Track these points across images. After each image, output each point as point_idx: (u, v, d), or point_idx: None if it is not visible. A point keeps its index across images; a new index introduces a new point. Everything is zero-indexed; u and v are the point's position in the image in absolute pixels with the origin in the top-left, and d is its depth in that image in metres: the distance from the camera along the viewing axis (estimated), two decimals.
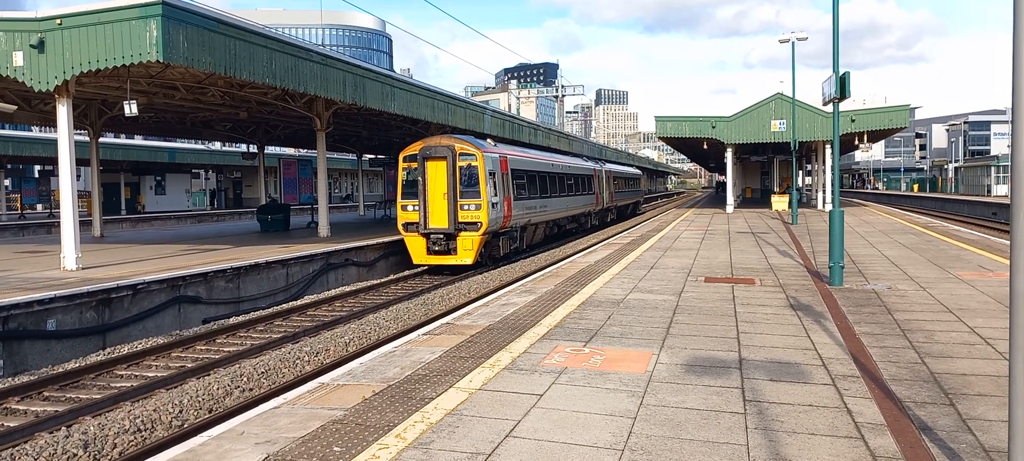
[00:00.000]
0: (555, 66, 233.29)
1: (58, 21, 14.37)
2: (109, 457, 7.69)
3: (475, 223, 20.87)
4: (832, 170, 14.77)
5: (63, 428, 8.35)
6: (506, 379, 6.97)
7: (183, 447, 5.33)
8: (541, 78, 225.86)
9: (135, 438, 8.13)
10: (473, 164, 20.98)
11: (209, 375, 10.62)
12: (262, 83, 17.08)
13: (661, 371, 7.16)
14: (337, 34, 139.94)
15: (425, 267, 22.13)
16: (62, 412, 8.93)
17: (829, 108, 15.15)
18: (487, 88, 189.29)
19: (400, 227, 21.74)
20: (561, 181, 31.29)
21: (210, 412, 9.04)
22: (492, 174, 21.53)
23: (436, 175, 21.05)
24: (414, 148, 21.49)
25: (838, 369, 7.15)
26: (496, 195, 21.72)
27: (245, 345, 12.77)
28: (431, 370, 7.33)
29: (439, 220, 20.99)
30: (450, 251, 21.05)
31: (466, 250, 20.93)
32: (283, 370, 10.79)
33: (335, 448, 5.19)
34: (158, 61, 13.88)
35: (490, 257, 22.87)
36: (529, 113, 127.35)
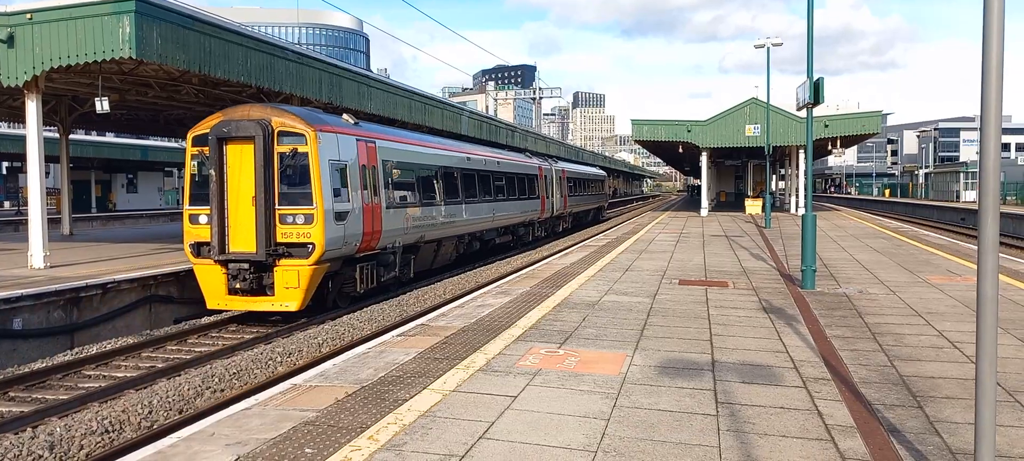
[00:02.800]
0: (533, 68, 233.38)
1: (29, 16, 14.13)
2: (76, 458, 7.57)
3: (304, 245, 13.57)
4: (805, 175, 14.95)
5: (29, 429, 8.20)
6: (480, 381, 6.96)
7: (152, 448, 5.26)
8: (519, 80, 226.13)
9: (103, 439, 8.01)
10: (301, 150, 13.69)
11: (180, 375, 10.48)
12: (237, 81, 16.92)
13: (635, 373, 7.19)
14: (314, 33, 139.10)
15: (231, 314, 14.70)
16: (28, 413, 8.77)
17: (803, 113, 15.32)
18: (465, 89, 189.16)
19: (187, 250, 14.21)
20: (484, 181, 24.21)
21: (181, 413, 8.93)
22: (342, 168, 14.64)
23: (239, 167, 13.72)
24: (207, 124, 14.08)
25: (809, 372, 7.23)
26: (349, 199, 14.70)
27: (217, 345, 12.63)
28: (405, 371, 7.30)
29: (243, 240, 13.60)
30: (263, 290, 13.65)
31: (289, 289, 13.54)
32: (255, 371, 10.68)
33: (307, 450, 5.14)
34: (131, 58, 13.69)
35: (341, 294, 15.53)
36: (507, 115, 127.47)
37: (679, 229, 28.46)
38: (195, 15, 15.41)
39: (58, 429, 8.03)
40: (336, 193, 14.30)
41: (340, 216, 14.29)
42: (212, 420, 5.84)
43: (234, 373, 10.43)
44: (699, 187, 51.68)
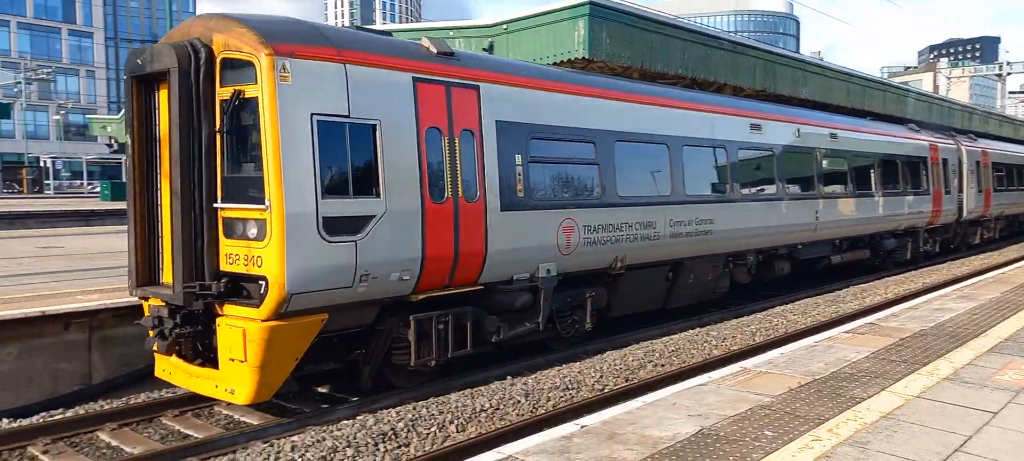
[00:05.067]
0: (996, 40, 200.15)
1: (504, 26, 16.51)
2: (544, 408, 8.76)
3: (255, 279, 7.30)
4: None
5: (509, 377, 9.68)
6: (948, 390, 6.34)
7: (623, 407, 5.88)
8: (977, 55, 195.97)
9: (564, 395, 9.14)
10: (248, 93, 7.29)
11: (626, 348, 11.41)
12: (674, 74, 17.59)
13: None
14: (744, 20, 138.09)
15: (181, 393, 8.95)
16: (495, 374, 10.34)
17: None
18: (907, 68, 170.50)
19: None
20: (787, 163, 15.40)
21: (627, 381, 9.73)
22: (360, 131, 7.86)
23: (158, 127, 8.16)
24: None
25: None
26: (379, 192, 7.91)
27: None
28: (858, 370, 6.98)
29: (168, 265, 8.01)
30: (201, 356, 7.91)
31: (233, 362, 7.34)
32: (691, 350, 11.18)
33: (766, 432, 5.26)
34: (583, 57, 15.17)
35: (395, 369, 8.87)
36: (961, 94, 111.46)
37: None
38: (638, 12, 16.44)
39: (530, 381, 9.39)
40: (332, 179, 7.60)
41: (340, 225, 7.56)
42: (672, 390, 6.32)
43: (672, 351, 11.06)
44: None
